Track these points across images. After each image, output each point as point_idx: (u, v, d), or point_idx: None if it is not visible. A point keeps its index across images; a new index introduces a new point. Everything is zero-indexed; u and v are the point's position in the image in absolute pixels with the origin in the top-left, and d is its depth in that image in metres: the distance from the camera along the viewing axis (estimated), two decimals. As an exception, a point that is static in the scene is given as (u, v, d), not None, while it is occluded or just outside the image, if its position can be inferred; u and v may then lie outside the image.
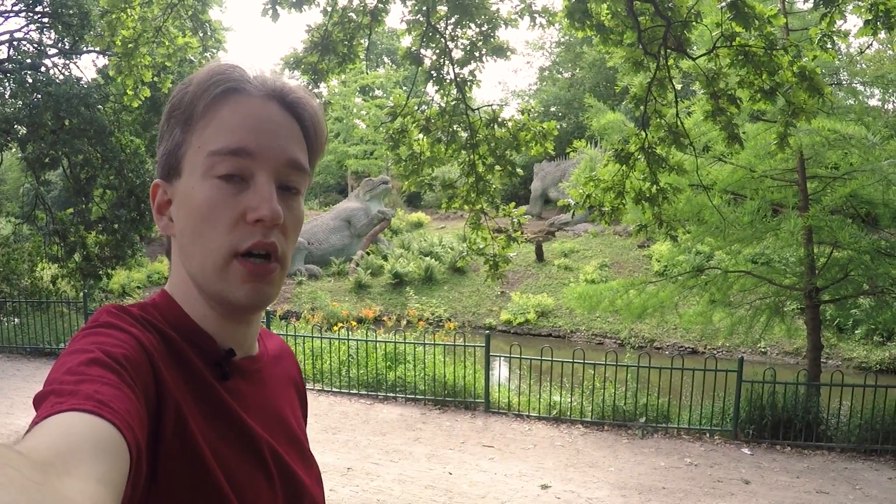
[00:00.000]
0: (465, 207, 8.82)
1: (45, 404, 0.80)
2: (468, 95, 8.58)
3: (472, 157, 8.51)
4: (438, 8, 8.19)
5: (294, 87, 1.12)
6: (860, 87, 13.36)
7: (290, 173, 1.08)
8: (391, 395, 11.25)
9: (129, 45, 8.64)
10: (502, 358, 12.13)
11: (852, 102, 11.40)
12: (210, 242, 1.03)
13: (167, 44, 9.18)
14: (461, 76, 8.36)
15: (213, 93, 1.04)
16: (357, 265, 26.08)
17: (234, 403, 1.07)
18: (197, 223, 1.04)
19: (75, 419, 0.76)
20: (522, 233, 9.57)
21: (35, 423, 0.77)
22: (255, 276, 1.05)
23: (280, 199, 1.05)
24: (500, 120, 8.49)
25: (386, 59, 54.01)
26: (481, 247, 8.98)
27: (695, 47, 9.07)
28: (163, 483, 0.91)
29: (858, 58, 13.41)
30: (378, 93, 47.18)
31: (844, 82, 13.05)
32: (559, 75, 44.98)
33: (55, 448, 0.71)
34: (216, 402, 1.04)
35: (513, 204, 9.09)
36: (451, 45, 8.29)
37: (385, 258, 26.90)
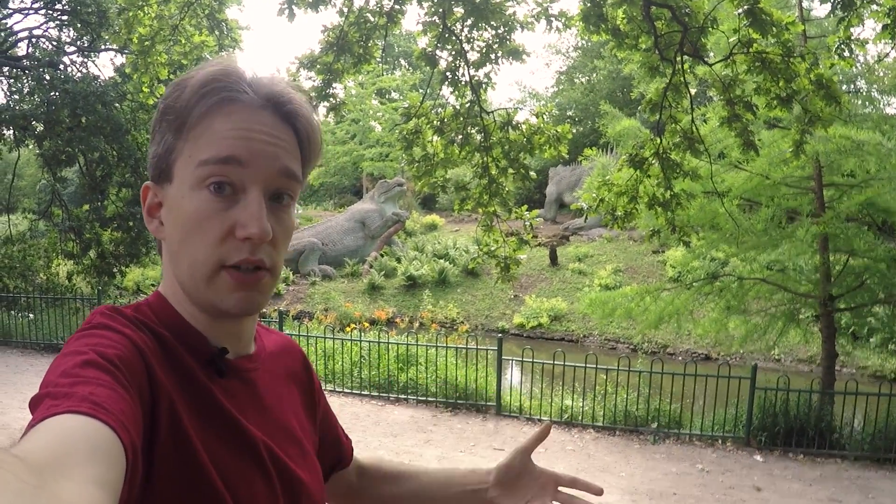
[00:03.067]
0: (480, 210, 8.82)
1: (41, 407, 0.80)
2: (483, 98, 8.58)
3: (485, 159, 8.50)
4: (455, 10, 8.19)
5: (290, 96, 1.10)
6: (877, 96, 13.29)
7: (282, 182, 1.07)
8: (403, 396, 11.24)
9: (146, 43, 8.69)
10: (514, 361, 12.11)
11: (870, 110, 11.34)
12: (197, 253, 1.03)
13: (183, 42, 9.23)
14: (476, 78, 8.37)
15: (207, 103, 1.03)
16: (371, 266, 26.08)
17: (229, 403, 1.07)
18: (185, 233, 1.04)
19: (71, 421, 0.76)
20: (536, 236, 9.55)
21: (31, 426, 0.77)
22: (243, 287, 1.05)
23: (270, 210, 1.05)
24: (514, 123, 8.49)
25: (403, 62, 54.05)
26: (493, 249, 8.98)
27: (711, 53, 9.05)
28: (158, 483, 0.91)
29: (876, 66, 13.31)
30: (395, 95, 47.21)
31: (862, 90, 12.97)
32: (577, 79, 44.89)
33: (51, 451, 0.71)
34: (210, 402, 1.04)
35: (525, 206, 9.08)
36: (466, 47, 8.30)
37: (399, 260, 26.88)
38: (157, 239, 1.14)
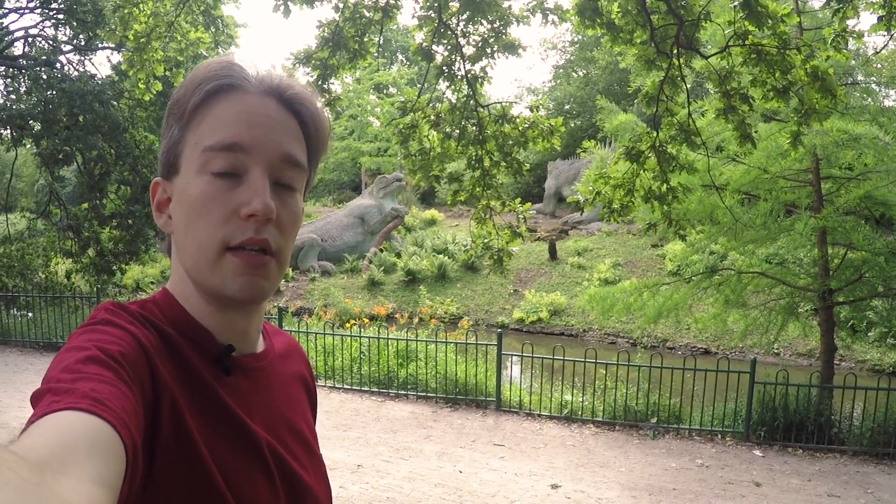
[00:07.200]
0: (476, 203, 8.83)
1: (42, 403, 0.80)
2: (479, 92, 8.57)
3: (479, 152, 8.50)
4: (451, 4, 8.19)
5: (293, 84, 1.10)
6: (875, 88, 13.28)
7: (286, 168, 1.07)
8: (402, 392, 11.24)
9: (142, 40, 8.70)
10: (514, 356, 12.11)
11: (868, 103, 11.31)
12: (202, 236, 1.03)
13: (179, 38, 9.24)
14: (472, 73, 8.36)
15: (206, 88, 1.04)
16: (370, 262, 26.07)
17: (233, 402, 1.07)
18: (190, 217, 1.04)
19: (71, 418, 0.76)
20: (533, 230, 9.56)
21: (31, 421, 0.77)
22: (249, 269, 1.03)
23: (276, 192, 1.05)
24: (508, 117, 8.48)
25: (400, 57, 54.04)
26: (487, 241, 8.98)
27: (707, 45, 9.04)
28: (159, 481, 0.91)
29: (874, 58, 13.32)
30: (392, 90, 47.23)
31: (860, 83, 12.96)
32: (574, 74, 44.88)
33: (51, 448, 0.70)
34: (213, 401, 1.04)
35: (518, 199, 9.08)
36: (462, 41, 8.29)
37: (398, 255, 26.88)
38: (166, 236, 1.14)
